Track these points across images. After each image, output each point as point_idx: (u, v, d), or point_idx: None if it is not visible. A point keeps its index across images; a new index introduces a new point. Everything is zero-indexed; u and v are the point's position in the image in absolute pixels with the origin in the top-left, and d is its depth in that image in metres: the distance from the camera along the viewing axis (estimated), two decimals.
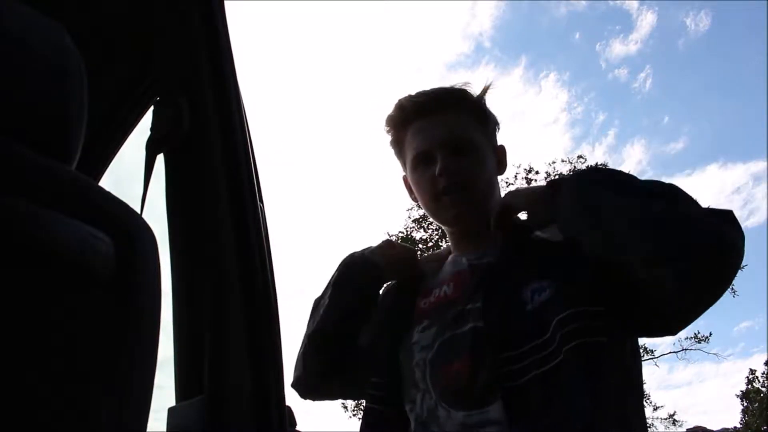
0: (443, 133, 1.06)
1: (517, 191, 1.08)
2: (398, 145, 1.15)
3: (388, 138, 1.16)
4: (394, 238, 16.17)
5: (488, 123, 1.14)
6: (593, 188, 0.96)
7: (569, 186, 0.98)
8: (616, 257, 0.91)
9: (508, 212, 1.06)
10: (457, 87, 1.13)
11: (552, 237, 1.04)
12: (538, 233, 1.06)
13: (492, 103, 1.16)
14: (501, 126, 1.16)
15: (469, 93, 1.13)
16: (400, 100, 1.13)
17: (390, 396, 1.04)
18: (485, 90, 1.14)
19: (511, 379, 0.91)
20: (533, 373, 0.90)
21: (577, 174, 1.06)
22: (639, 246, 0.87)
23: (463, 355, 0.96)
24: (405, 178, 1.18)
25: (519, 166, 16.04)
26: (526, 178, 15.85)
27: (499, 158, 1.15)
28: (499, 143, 1.17)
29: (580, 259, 0.96)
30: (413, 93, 1.12)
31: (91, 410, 0.44)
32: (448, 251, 1.18)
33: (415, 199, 1.16)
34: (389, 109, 1.15)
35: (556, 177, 1.12)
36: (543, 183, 1.08)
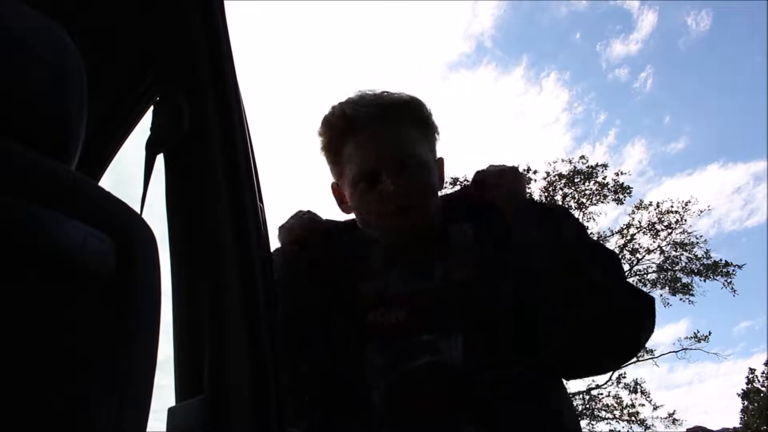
0: (390, 151, 1.01)
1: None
2: (333, 154, 1.07)
3: (320, 142, 1.09)
4: None
5: (432, 135, 1.10)
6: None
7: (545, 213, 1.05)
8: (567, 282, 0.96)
9: (486, 188, 1.08)
10: (400, 97, 1.07)
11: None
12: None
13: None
14: (441, 135, 1.11)
15: (413, 103, 1.07)
16: (342, 107, 1.06)
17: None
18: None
19: (477, 399, 0.93)
20: (499, 392, 0.93)
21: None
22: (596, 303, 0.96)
23: (423, 389, 0.95)
24: (335, 186, 1.11)
25: (518, 166, 16.03)
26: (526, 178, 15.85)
27: (439, 171, 1.11)
28: (438, 155, 1.12)
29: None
30: (355, 99, 1.06)
31: (91, 410, 0.44)
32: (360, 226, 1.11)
33: (345, 210, 1.11)
34: (326, 112, 1.07)
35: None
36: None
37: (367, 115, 1.03)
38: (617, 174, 15.82)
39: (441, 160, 1.12)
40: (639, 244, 15.85)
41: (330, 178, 1.13)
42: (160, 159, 0.91)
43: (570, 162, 15.89)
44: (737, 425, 25.99)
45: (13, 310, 0.42)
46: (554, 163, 16.02)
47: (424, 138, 1.07)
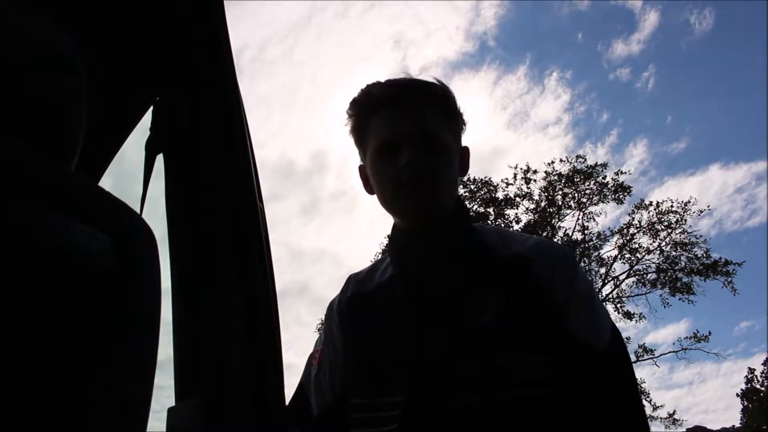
0: (410, 126, 1.03)
1: None
2: (359, 132, 1.09)
3: (349, 124, 1.11)
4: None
5: (457, 122, 1.11)
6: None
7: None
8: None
9: None
10: (426, 81, 1.09)
11: (502, 249, 1.04)
12: (489, 241, 1.06)
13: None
14: (467, 126, 1.12)
15: (441, 89, 1.09)
16: (368, 86, 1.09)
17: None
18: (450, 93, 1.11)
19: (443, 405, 0.92)
20: (467, 403, 0.91)
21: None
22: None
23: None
24: (361, 168, 1.13)
25: (516, 167, 16.04)
26: (524, 177, 15.87)
27: (462, 160, 1.12)
28: (464, 144, 1.13)
29: (531, 285, 0.98)
30: (382, 81, 1.09)
31: (92, 410, 0.44)
32: (383, 265, 1.14)
33: (370, 191, 1.12)
34: (355, 94, 1.10)
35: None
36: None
37: (392, 94, 1.05)
38: (617, 173, 15.85)
39: (466, 149, 1.14)
40: (639, 243, 15.87)
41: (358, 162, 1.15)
42: (160, 159, 0.91)
43: (568, 161, 15.92)
44: (738, 425, 26.00)
45: (13, 310, 0.42)
46: (552, 163, 16.05)
47: (447, 123, 1.08)
